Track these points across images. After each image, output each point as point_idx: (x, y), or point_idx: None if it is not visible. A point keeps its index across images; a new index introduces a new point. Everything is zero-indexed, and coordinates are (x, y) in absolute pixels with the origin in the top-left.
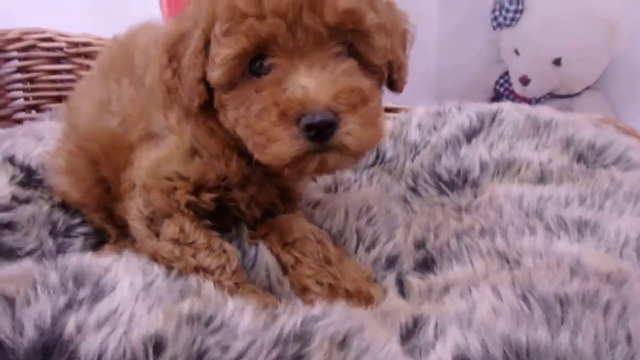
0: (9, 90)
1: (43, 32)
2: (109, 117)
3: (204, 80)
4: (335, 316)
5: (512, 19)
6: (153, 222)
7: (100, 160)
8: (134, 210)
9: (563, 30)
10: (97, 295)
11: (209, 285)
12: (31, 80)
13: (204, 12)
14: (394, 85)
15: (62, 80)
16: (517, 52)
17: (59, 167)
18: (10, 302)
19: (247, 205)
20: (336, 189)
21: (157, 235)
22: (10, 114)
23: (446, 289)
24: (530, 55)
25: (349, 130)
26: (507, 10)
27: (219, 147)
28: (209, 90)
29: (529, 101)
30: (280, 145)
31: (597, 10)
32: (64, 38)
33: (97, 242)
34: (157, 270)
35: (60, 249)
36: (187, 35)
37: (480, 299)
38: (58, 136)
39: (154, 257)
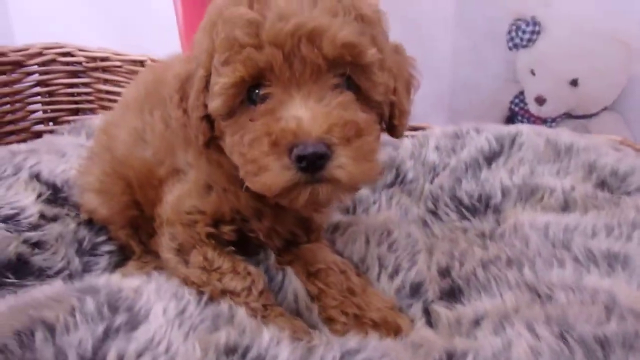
0: (29, 104)
1: (62, 47)
2: (144, 146)
3: (207, 117)
4: (371, 350)
5: (529, 40)
6: (181, 252)
7: (134, 185)
8: (164, 244)
9: (580, 51)
10: (133, 322)
11: (241, 312)
12: (50, 94)
13: (205, 49)
14: (394, 130)
15: (79, 94)
16: (533, 73)
17: (89, 185)
18: (51, 329)
19: (267, 236)
20: (354, 209)
21: (187, 263)
22: (29, 127)
23: (477, 322)
24: (547, 75)
25: (341, 164)
26: (524, 32)
27: (227, 181)
28: (213, 125)
29: (544, 121)
30: (270, 175)
31: (615, 32)
32: (82, 53)
33: (120, 260)
34: (188, 295)
35: (86, 268)
36: (192, 77)
37: (516, 337)
38: (84, 154)
39: (185, 282)
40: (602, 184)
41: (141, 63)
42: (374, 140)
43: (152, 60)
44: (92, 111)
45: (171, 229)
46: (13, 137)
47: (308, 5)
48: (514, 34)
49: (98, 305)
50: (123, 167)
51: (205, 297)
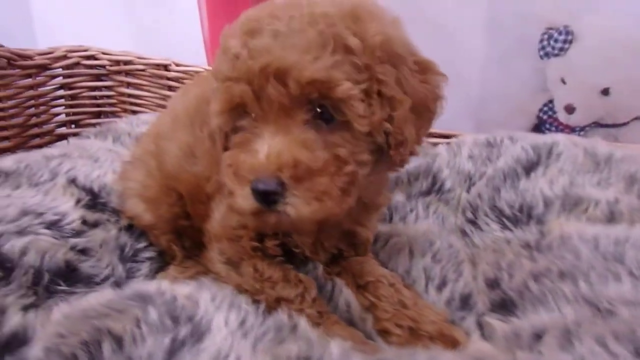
0: (53, 106)
1: (86, 50)
2: (195, 161)
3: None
4: None
5: (561, 49)
6: (231, 264)
7: (185, 198)
8: (214, 258)
9: (612, 61)
10: (197, 334)
11: (303, 322)
12: (73, 97)
13: (213, 72)
14: (391, 160)
15: (101, 97)
16: (563, 81)
17: (131, 190)
18: (118, 340)
19: (312, 251)
20: (391, 218)
21: (238, 273)
22: (53, 129)
23: (537, 336)
24: (578, 84)
25: (291, 202)
26: (556, 40)
27: None
28: None
29: (572, 129)
30: (236, 201)
31: None
32: (106, 56)
33: (160, 266)
34: (245, 305)
35: (129, 274)
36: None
37: (588, 354)
38: (118, 159)
39: (239, 291)
40: None
41: (165, 67)
42: (330, 181)
43: (176, 64)
44: (114, 114)
45: (219, 244)
46: (37, 140)
47: (284, 41)
48: (545, 42)
49: (160, 315)
50: (174, 180)
51: (262, 307)
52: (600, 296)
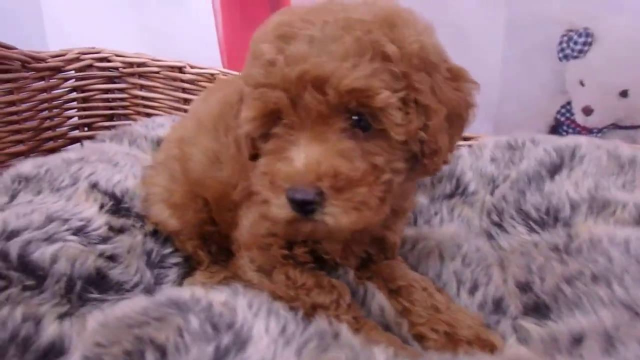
0: (66, 109)
1: (99, 52)
2: (220, 167)
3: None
4: None
5: (580, 51)
6: (263, 272)
7: (211, 204)
8: (245, 266)
9: (632, 63)
10: (240, 342)
11: (344, 329)
12: (85, 99)
13: (243, 77)
14: (425, 168)
15: (114, 99)
16: (582, 83)
17: (156, 196)
18: (161, 350)
19: (343, 257)
20: (415, 221)
21: (271, 280)
22: (66, 132)
23: (577, 340)
24: (596, 86)
25: (330, 212)
26: (576, 42)
27: None
28: None
29: (590, 131)
30: (271, 209)
31: None
32: (119, 58)
33: (187, 271)
34: (283, 311)
35: (157, 281)
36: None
37: (634, 357)
38: (137, 163)
39: (273, 296)
40: None
41: (179, 69)
42: (369, 191)
43: (191, 67)
44: (127, 117)
45: (249, 253)
46: (50, 144)
47: (320, 48)
48: (565, 44)
49: (201, 323)
50: (200, 186)
51: (300, 314)
52: (636, 299)
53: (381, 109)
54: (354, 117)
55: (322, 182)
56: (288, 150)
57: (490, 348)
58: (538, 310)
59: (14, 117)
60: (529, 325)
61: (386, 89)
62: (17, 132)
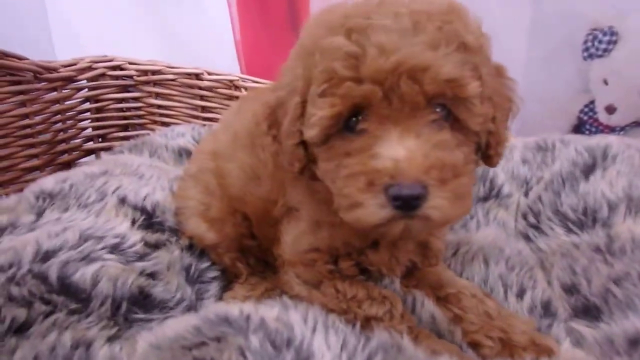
0: (80, 120)
1: (112, 60)
2: (259, 182)
3: (301, 144)
4: None
5: (605, 50)
6: (311, 286)
7: (251, 219)
8: (291, 282)
9: None
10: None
11: (406, 341)
12: (99, 110)
13: (301, 77)
14: (489, 159)
15: (129, 109)
16: (605, 82)
17: (191, 210)
18: None
19: (388, 267)
20: (452, 226)
21: (320, 293)
22: (80, 144)
23: (634, 341)
24: (619, 85)
25: (436, 205)
26: (600, 41)
27: (332, 214)
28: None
29: (612, 129)
30: (365, 212)
31: None
32: (133, 66)
33: (225, 284)
34: (340, 324)
35: (198, 296)
36: (283, 103)
37: None
38: (163, 175)
39: (324, 308)
40: None
41: (196, 76)
42: (470, 180)
43: (209, 73)
44: (142, 126)
45: (294, 269)
46: (65, 157)
47: (408, 37)
48: (589, 43)
49: (261, 342)
50: (239, 202)
51: (357, 327)
52: None
53: (468, 98)
54: (440, 109)
55: (430, 175)
56: (379, 146)
57: (548, 353)
58: (588, 312)
59: (28, 131)
60: (582, 327)
61: (473, 79)
62: (31, 146)
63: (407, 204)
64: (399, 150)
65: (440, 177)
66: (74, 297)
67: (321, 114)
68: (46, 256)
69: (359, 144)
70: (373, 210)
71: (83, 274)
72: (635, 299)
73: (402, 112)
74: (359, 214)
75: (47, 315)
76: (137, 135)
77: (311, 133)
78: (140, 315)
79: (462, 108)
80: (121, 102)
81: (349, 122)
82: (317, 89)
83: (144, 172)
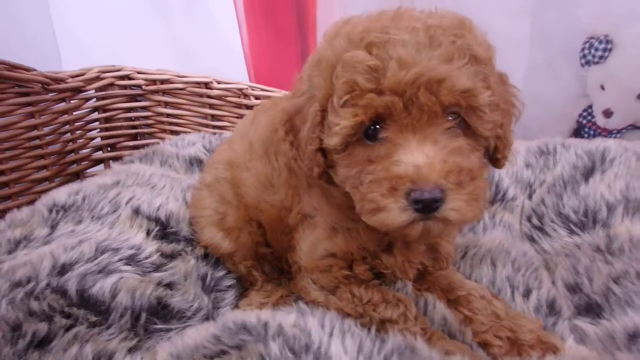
0: (88, 131)
1: (120, 70)
2: (274, 191)
3: (320, 150)
4: None
5: (601, 57)
6: (327, 292)
7: (266, 227)
8: (308, 288)
9: None
10: None
11: (420, 343)
12: (108, 120)
13: (321, 87)
14: (497, 162)
15: (138, 118)
16: (603, 88)
17: (206, 219)
18: None
19: (402, 270)
20: (460, 229)
21: (337, 298)
22: (90, 155)
23: (632, 336)
24: (616, 90)
25: (455, 207)
26: (597, 49)
27: (347, 219)
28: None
29: (610, 133)
30: (388, 215)
31: None
32: (142, 76)
33: (241, 292)
34: (356, 328)
35: (215, 305)
36: (302, 110)
37: None
38: (177, 185)
39: (341, 313)
40: None
41: (206, 85)
42: (484, 182)
43: (218, 82)
44: (152, 136)
45: (311, 276)
46: (75, 167)
47: (426, 51)
48: (587, 51)
49: (280, 348)
50: (254, 211)
51: (373, 331)
52: None
53: (480, 107)
54: (454, 118)
55: (449, 179)
56: (400, 153)
57: (554, 350)
58: (591, 310)
59: (37, 142)
60: (585, 325)
61: (484, 89)
62: (41, 157)
63: (427, 207)
64: (419, 157)
65: (458, 181)
66: (94, 309)
67: (344, 124)
68: (64, 270)
69: (381, 152)
70: (396, 213)
71: (102, 287)
72: (634, 296)
73: (420, 121)
74: (383, 217)
75: (68, 329)
76: (146, 145)
77: (334, 141)
78: (160, 326)
79: (474, 116)
80: (130, 111)
81: (369, 131)
82: (339, 100)
83: (157, 182)
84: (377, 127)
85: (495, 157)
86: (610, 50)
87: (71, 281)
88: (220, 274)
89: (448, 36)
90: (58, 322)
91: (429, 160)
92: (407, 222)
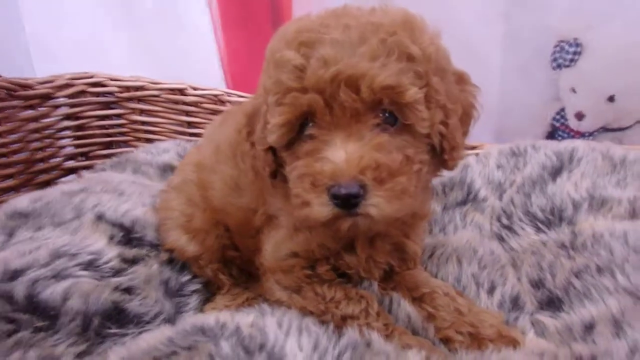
0: (59, 139)
1: (92, 76)
2: (240, 193)
3: (271, 149)
4: None
5: (571, 60)
6: (291, 291)
7: (232, 230)
8: (272, 288)
9: (618, 70)
10: None
11: (375, 337)
12: (80, 127)
13: (263, 87)
14: (444, 163)
15: (111, 126)
16: (574, 90)
17: (172, 222)
18: None
19: (366, 270)
20: (431, 230)
21: (300, 297)
22: (60, 163)
23: (588, 328)
24: (586, 92)
25: (374, 203)
26: (567, 52)
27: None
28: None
29: (582, 135)
30: (311, 210)
31: None
32: (115, 82)
33: (207, 297)
34: (313, 326)
35: (177, 310)
36: (258, 111)
37: None
38: (145, 191)
39: (304, 312)
40: None
41: (181, 91)
42: (408, 179)
43: (193, 88)
44: (126, 143)
45: (274, 276)
46: (44, 176)
47: (350, 49)
48: (557, 54)
49: (233, 347)
50: (221, 214)
51: (331, 327)
52: (638, 286)
53: (409, 104)
54: (383, 114)
55: (365, 175)
56: (324, 150)
57: (513, 343)
58: (552, 304)
59: (2, 150)
60: (545, 318)
61: (413, 86)
62: (6, 165)
63: (346, 202)
64: (340, 153)
65: (376, 176)
66: (42, 314)
67: (274, 122)
68: (14, 275)
69: (308, 148)
70: (318, 208)
71: (53, 291)
72: (592, 288)
73: (344, 118)
74: (307, 212)
75: (10, 334)
76: (121, 153)
77: (271, 138)
78: (114, 330)
79: (407, 112)
80: (103, 119)
81: (304, 129)
82: (272, 98)
83: (125, 188)
84: (309, 127)
85: (442, 157)
86: (580, 53)
87: (19, 286)
88: (185, 278)
89: (379, 34)
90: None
91: (347, 156)
92: (328, 216)
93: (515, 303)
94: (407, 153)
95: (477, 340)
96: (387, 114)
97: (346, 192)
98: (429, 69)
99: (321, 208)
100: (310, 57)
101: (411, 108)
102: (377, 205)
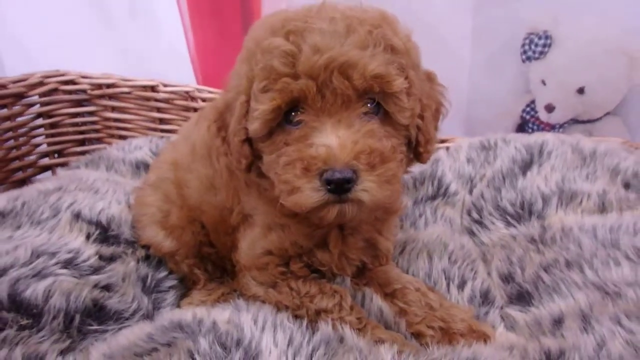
0: (33, 137)
1: (64, 74)
2: (215, 192)
3: (247, 140)
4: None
5: (541, 52)
6: (267, 287)
7: (208, 228)
8: (248, 285)
9: (587, 62)
10: (250, 358)
11: (348, 332)
12: (53, 125)
13: (244, 76)
14: (419, 156)
15: (84, 123)
16: (544, 83)
17: (149, 218)
18: None
19: (339, 266)
20: (402, 224)
21: (275, 293)
22: (35, 161)
23: (557, 322)
24: (556, 85)
25: (366, 188)
26: (537, 45)
27: (280, 214)
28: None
29: (552, 127)
30: (302, 196)
31: (619, 44)
32: (86, 80)
33: (184, 292)
34: (288, 322)
35: (155, 306)
36: (231, 105)
37: (608, 333)
38: (120, 189)
39: (278, 308)
40: (627, 186)
41: (152, 88)
42: (397, 166)
43: (165, 85)
44: (99, 140)
45: (250, 273)
46: (20, 174)
47: (340, 38)
48: (527, 47)
49: (210, 343)
50: (197, 212)
51: (305, 322)
52: (606, 280)
53: (395, 94)
54: (370, 103)
55: (359, 160)
56: (315, 136)
57: (483, 338)
58: (522, 298)
59: None
60: (515, 313)
61: (399, 77)
62: None
63: (339, 187)
64: (331, 138)
65: (369, 161)
66: (26, 313)
67: (262, 108)
68: None
69: (297, 134)
70: (309, 194)
71: (35, 290)
72: (561, 283)
73: (335, 105)
74: (296, 198)
75: None
76: (94, 150)
77: (254, 126)
78: (95, 327)
79: (391, 102)
80: (76, 116)
81: (289, 116)
82: (259, 85)
83: (100, 186)
84: (297, 112)
85: (417, 150)
86: (550, 45)
87: (2, 286)
88: (162, 274)
89: (365, 26)
90: None
91: (340, 141)
92: (320, 202)
93: (486, 297)
94: (392, 142)
95: (448, 335)
96: (373, 104)
97: (341, 176)
98: (407, 63)
99: (312, 193)
100: (301, 44)
101: (396, 98)
102: (369, 190)
